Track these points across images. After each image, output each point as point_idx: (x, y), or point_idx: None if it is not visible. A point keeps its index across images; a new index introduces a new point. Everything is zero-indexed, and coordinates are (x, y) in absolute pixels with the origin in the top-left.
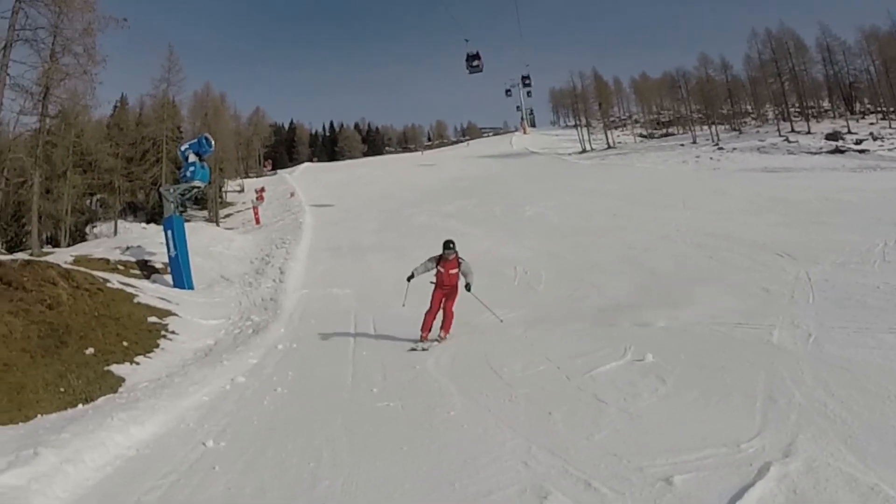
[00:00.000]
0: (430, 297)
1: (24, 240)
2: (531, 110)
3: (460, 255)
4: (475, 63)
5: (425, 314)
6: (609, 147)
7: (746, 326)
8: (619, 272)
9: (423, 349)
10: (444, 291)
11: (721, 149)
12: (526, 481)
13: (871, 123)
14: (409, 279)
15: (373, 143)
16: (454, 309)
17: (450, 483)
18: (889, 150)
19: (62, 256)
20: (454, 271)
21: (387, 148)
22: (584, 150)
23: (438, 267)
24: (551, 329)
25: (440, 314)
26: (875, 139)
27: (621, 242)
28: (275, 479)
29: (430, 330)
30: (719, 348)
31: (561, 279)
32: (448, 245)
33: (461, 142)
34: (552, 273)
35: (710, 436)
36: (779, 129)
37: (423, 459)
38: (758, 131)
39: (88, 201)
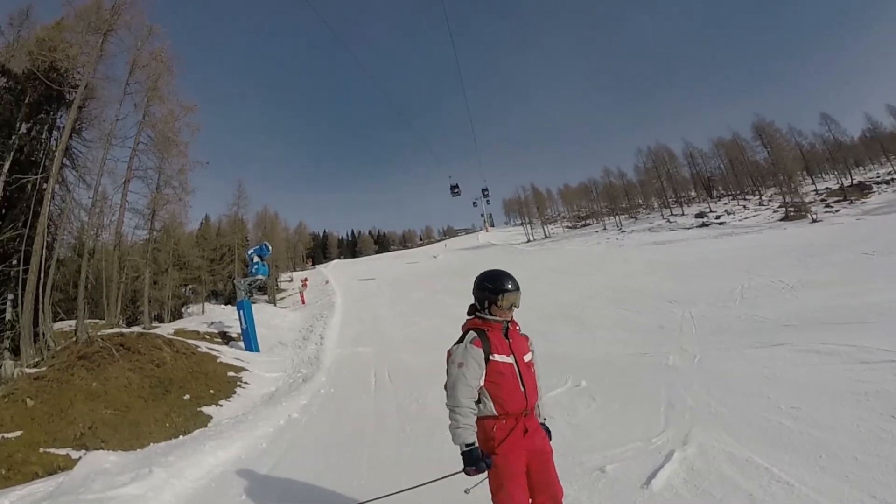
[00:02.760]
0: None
1: (138, 318)
2: (490, 215)
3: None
4: (456, 191)
5: None
6: (546, 237)
7: (649, 355)
8: (558, 322)
9: None
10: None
11: (623, 231)
12: None
13: (725, 203)
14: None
15: (382, 243)
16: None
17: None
18: (739, 220)
19: (166, 329)
20: (528, 358)
21: (391, 247)
22: (529, 240)
23: (492, 357)
24: None
25: None
26: (729, 214)
27: (558, 301)
28: (330, 483)
29: None
30: (632, 371)
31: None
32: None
33: (442, 241)
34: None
35: (630, 434)
36: (662, 214)
37: (414, 448)
38: (648, 217)
39: (184, 290)
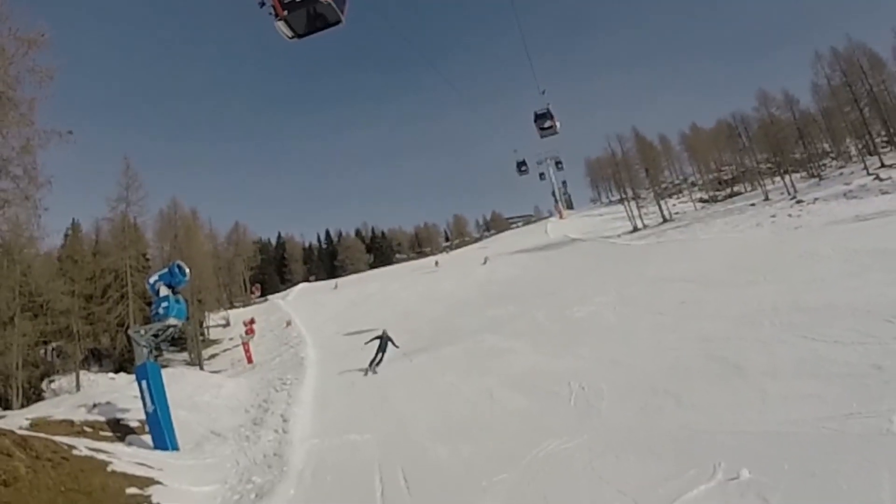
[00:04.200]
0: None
1: None
2: (566, 189)
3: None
4: (547, 125)
5: None
6: (665, 220)
7: (860, 416)
8: (701, 373)
9: None
10: None
11: (800, 202)
12: None
13: None
14: None
15: (379, 250)
16: None
17: None
18: None
19: (16, 420)
20: None
21: (397, 255)
22: (635, 229)
23: None
24: (623, 454)
25: None
26: None
27: (696, 335)
28: None
29: None
30: (830, 450)
31: (628, 392)
32: None
33: (485, 237)
34: (616, 385)
35: None
36: (866, 167)
37: None
38: (841, 173)
39: (43, 351)
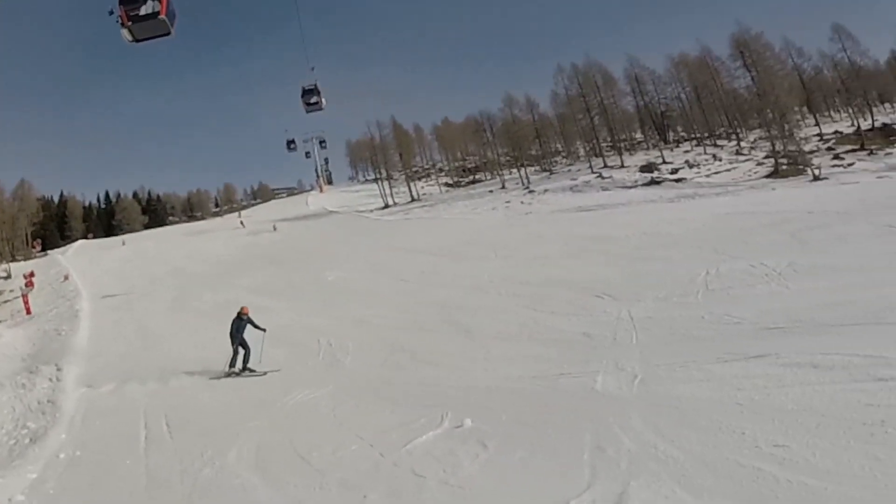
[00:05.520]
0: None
1: None
2: (327, 166)
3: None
4: (313, 100)
5: None
6: (413, 200)
7: (569, 376)
8: (435, 333)
9: None
10: None
11: (532, 192)
12: None
13: (686, 151)
14: None
15: (154, 212)
16: None
17: None
18: (706, 176)
19: None
20: None
21: (170, 218)
22: (386, 206)
23: None
24: (363, 403)
25: None
26: (691, 167)
27: (434, 300)
28: None
29: None
30: (542, 403)
31: (370, 348)
32: None
33: (252, 205)
34: (361, 342)
35: (538, 497)
36: (591, 166)
37: None
38: (569, 170)
39: None
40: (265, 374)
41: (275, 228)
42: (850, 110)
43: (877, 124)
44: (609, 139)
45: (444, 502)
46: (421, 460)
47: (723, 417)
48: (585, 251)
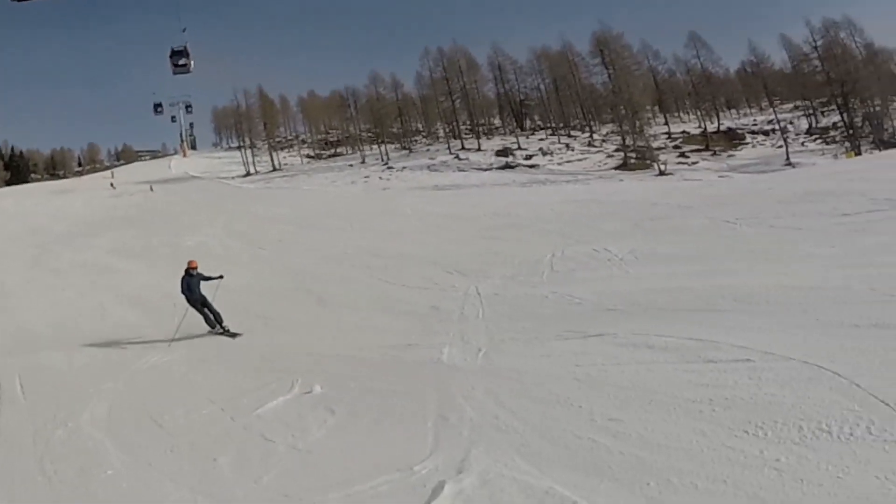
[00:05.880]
0: None
1: None
2: (192, 131)
3: None
4: (182, 62)
5: None
6: (275, 169)
7: (417, 347)
8: (289, 301)
9: None
10: None
11: (391, 168)
12: None
13: (541, 139)
14: None
15: (17, 169)
16: None
17: None
18: (558, 164)
19: None
20: None
21: (32, 175)
22: (248, 174)
23: None
24: (215, 368)
25: None
26: (545, 154)
27: (289, 268)
28: None
29: None
30: (390, 372)
31: (226, 312)
32: None
33: (115, 167)
34: (216, 306)
35: (383, 462)
36: (449, 147)
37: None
38: (428, 149)
39: None
40: (239, 335)
41: (152, 189)
42: (699, 113)
43: (722, 128)
44: (468, 123)
45: (292, 466)
46: (270, 425)
47: (561, 391)
48: (439, 228)
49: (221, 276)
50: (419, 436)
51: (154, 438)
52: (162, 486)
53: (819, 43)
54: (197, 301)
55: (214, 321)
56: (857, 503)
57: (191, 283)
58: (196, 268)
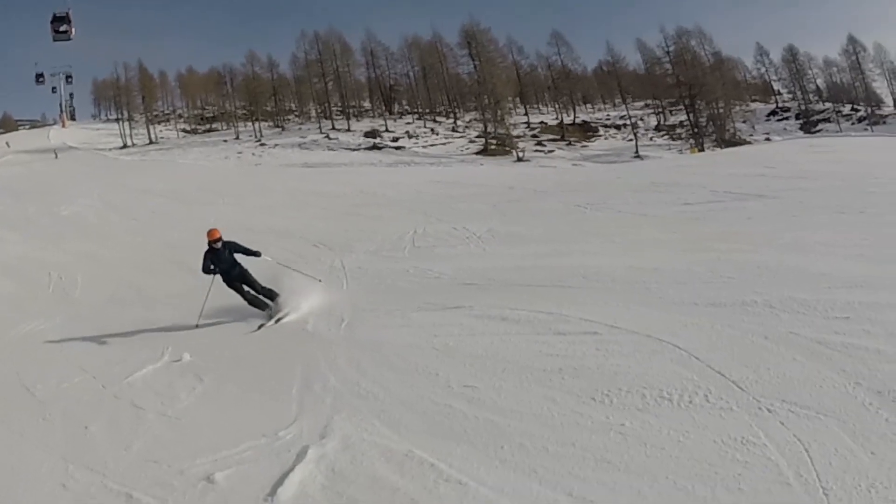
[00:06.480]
0: None
1: None
2: (72, 102)
3: None
4: (63, 28)
5: None
6: (151, 143)
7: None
8: (162, 272)
9: None
10: None
11: (264, 145)
12: None
13: (408, 123)
14: None
15: None
16: None
17: None
18: (423, 147)
19: None
20: None
21: None
22: (125, 146)
23: None
24: (87, 337)
25: None
26: (411, 137)
27: (162, 241)
28: None
29: None
30: (258, 341)
31: (100, 282)
32: None
33: None
34: (90, 276)
35: (249, 428)
36: (320, 127)
37: None
38: (300, 128)
39: None
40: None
41: (56, 156)
42: (557, 106)
43: (578, 120)
44: (340, 104)
45: (162, 433)
46: (141, 392)
47: (420, 360)
48: (307, 204)
49: (259, 253)
50: (284, 403)
51: (27, 407)
52: (34, 455)
53: (671, 48)
54: (235, 279)
55: (264, 301)
56: (697, 465)
57: (221, 257)
58: (219, 238)
